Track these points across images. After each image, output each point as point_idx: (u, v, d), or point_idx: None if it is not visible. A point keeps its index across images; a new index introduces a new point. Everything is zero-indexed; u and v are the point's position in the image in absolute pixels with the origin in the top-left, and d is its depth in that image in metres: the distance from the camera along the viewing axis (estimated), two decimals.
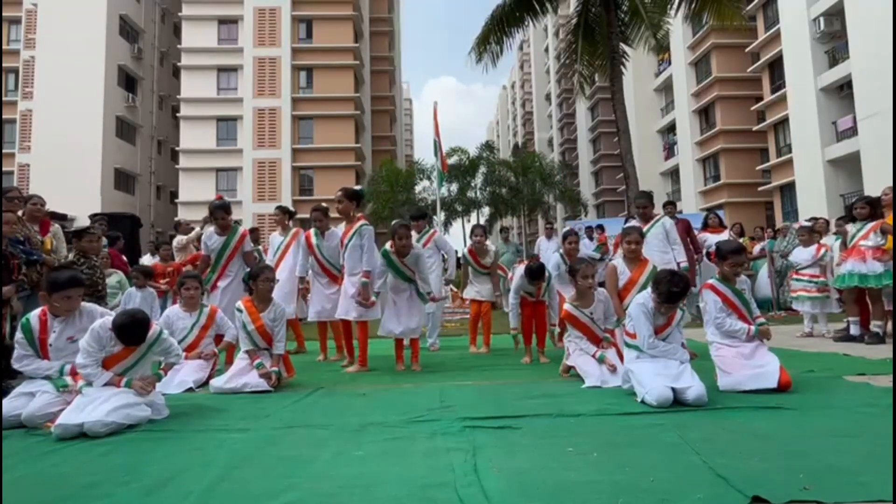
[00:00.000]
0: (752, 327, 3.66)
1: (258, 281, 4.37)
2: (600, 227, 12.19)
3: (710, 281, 3.91)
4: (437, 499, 1.87)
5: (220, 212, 5.39)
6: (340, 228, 5.42)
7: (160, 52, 34.74)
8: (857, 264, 5.82)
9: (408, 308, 5.07)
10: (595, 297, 4.31)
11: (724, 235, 8.14)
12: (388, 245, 5.04)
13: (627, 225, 4.92)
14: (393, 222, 5.37)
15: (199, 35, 33.38)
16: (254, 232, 8.99)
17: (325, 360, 5.84)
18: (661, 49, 18.48)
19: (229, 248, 5.39)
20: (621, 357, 3.94)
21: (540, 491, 1.91)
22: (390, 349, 5.34)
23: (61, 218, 8.55)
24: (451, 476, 2.06)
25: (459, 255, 7.09)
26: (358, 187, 5.34)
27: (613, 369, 3.88)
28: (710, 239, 7.65)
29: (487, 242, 6.43)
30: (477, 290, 6.37)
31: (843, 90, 21.98)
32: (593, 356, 4.08)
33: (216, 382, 4.11)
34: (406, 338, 5.18)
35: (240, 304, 4.39)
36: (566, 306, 4.36)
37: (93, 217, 8.26)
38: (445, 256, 7.18)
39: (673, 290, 3.40)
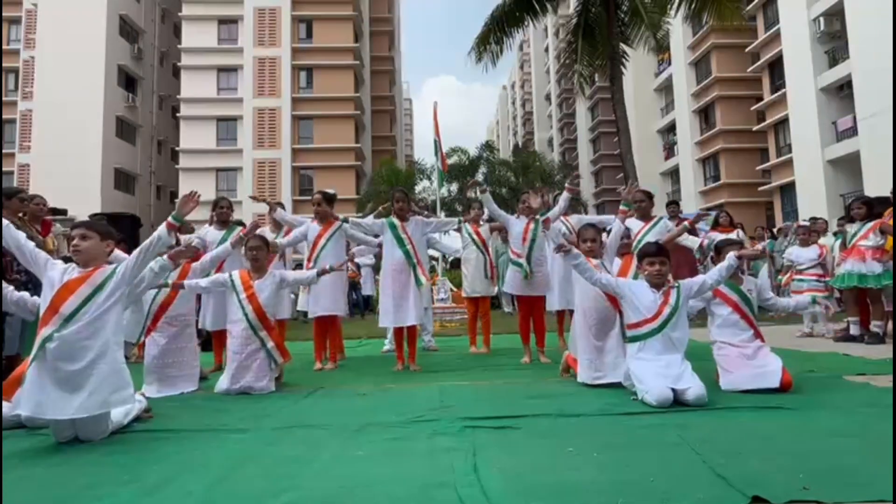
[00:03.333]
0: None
1: (247, 248, 4.34)
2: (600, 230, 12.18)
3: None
4: (437, 499, 1.87)
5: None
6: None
7: (160, 52, 34.75)
8: (856, 264, 5.83)
9: (407, 297, 5.02)
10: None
11: (734, 235, 8.13)
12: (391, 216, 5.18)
13: (582, 224, 4.80)
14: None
15: (199, 35, 33.38)
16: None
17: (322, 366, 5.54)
18: (661, 49, 18.52)
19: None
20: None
21: (540, 491, 1.91)
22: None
23: (61, 213, 8.50)
24: (451, 476, 2.06)
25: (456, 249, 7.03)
26: (331, 191, 5.58)
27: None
28: (719, 238, 7.65)
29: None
30: (473, 286, 6.28)
31: (843, 90, 22.00)
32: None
33: (221, 385, 4.03)
34: (404, 325, 5.08)
35: (235, 273, 4.28)
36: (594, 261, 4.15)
37: (92, 217, 8.25)
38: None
39: (656, 243, 3.65)
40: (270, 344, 4.06)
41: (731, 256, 3.59)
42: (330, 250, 5.26)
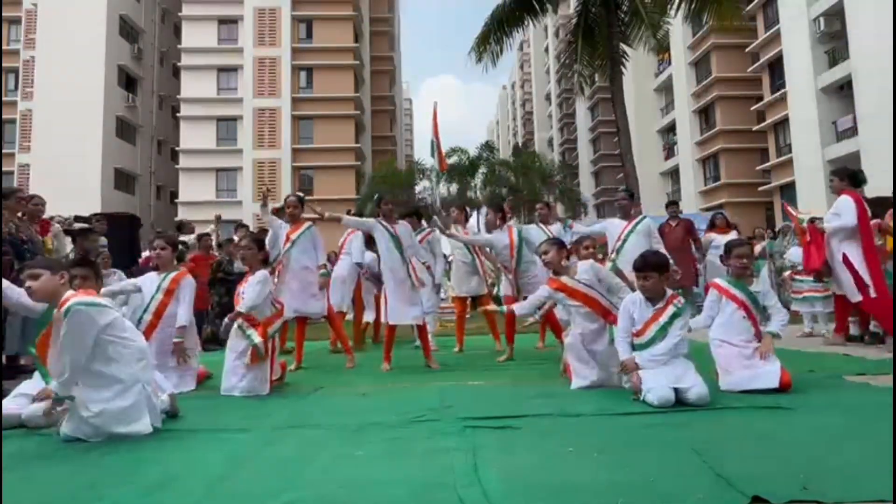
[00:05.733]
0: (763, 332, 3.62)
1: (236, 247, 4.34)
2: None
3: (717, 280, 3.89)
4: (437, 499, 1.87)
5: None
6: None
7: (160, 52, 34.74)
8: None
9: (409, 294, 5.08)
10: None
11: (732, 236, 8.14)
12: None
13: (579, 232, 4.79)
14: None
15: (199, 35, 33.38)
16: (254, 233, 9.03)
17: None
18: (661, 49, 18.54)
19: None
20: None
21: (540, 491, 1.91)
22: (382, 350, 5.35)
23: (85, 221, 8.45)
24: (451, 476, 2.06)
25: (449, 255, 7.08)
26: (300, 194, 5.73)
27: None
28: (718, 239, 7.63)
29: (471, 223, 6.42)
30: (460, 286, 6.26)
31: (843, 90, 22.01)
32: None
33: (223, 385, 4.00)
34: (413, 322, 5.17)
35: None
36: (561, 279, 3.99)
37: (92, 217, 8.25)
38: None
39: (644, 256, 3.58)
40: (257, 340, 3.98)
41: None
42: (296, 253, 5.28)
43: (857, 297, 5.23)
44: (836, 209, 5.33)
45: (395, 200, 5.35)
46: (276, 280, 5.32)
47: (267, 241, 5.40)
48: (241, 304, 4.09)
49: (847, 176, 5.51)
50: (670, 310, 3.45)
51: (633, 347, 3.49)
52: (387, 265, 5.11)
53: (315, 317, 5.51)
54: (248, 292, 4.13)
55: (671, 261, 3.96)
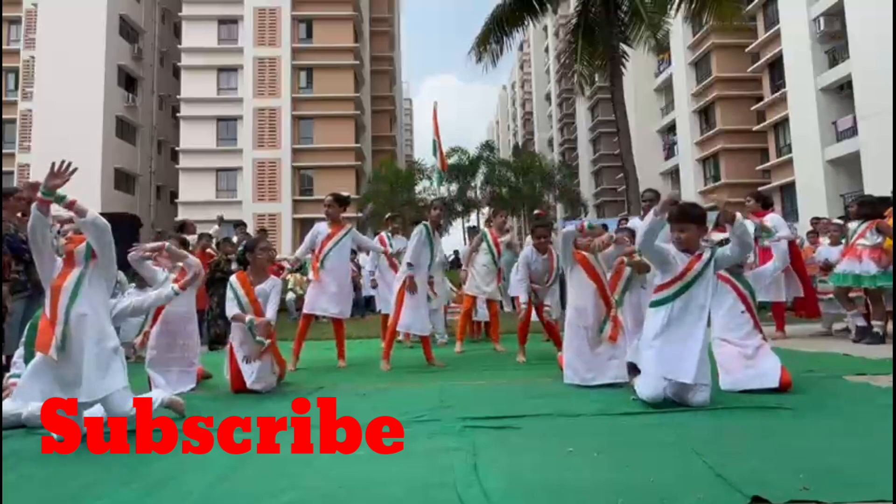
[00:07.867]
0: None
1: (255, 251, 4.26)
2: (604, 227, 12.18)
3: (723, 272, 3.91)
4: (437, 499, 1.88)
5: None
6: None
7: (160, 52, 34.73)
8: (851, 264, 5.81)
9: (424, 302, 5.18)
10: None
11: None
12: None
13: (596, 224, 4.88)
14: (431, 199, 5.62)
15: (199, 35, 33.36)
16: (255, 232, 9.00)
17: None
18: (661, 49, 18.51)
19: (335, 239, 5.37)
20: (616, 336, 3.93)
21: (540, 491, 1.91)
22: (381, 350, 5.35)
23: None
24: (451, 476, 2.06)
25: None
26: (345, 193, 5.80)
27: (613, 340, 3.88)
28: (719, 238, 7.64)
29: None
30: (481, 287, 6.31)
31: (843, 90, 22.00)
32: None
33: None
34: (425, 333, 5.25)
35: (232, 278, 4.26)
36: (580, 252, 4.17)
37: None
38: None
39: (682, 206, 3.34)
40: (267, 342, 4.02)
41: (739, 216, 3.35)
42: (335, 254, 5.33)
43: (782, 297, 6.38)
44: (773, 225, 6.21)
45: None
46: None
47: (301, 250, 5.52)
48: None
49: (762, 199, 6.75)
50: (705, 255, 3.31)
51: (665, 300, 3.27)
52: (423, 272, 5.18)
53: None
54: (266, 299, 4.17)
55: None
